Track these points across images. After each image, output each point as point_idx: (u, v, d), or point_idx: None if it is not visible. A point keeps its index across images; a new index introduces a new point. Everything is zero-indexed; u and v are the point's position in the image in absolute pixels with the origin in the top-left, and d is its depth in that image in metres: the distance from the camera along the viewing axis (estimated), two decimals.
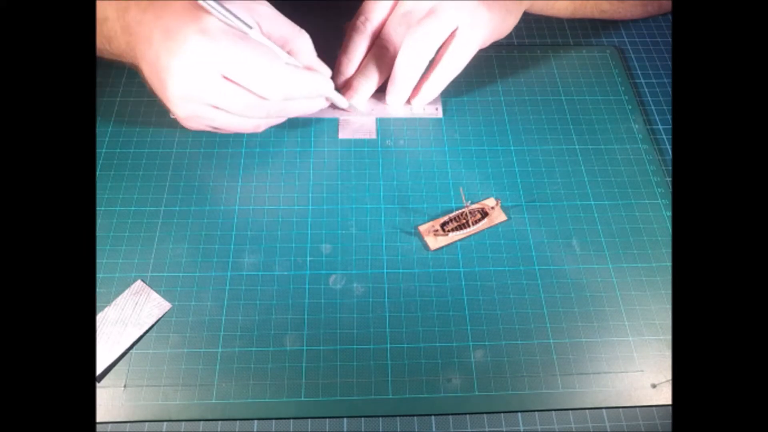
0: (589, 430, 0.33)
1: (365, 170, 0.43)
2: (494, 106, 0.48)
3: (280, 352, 0.35)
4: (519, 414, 0.33)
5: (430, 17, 0.41)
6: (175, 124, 0.45)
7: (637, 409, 0.34)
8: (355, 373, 0.34)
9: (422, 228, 0.40)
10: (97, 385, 0.33)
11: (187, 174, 0.43)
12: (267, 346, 0.35)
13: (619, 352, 0.36)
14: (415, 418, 0.33)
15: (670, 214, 0.42)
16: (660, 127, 0.48)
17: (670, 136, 0.47)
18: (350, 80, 0.45)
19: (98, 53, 0.42)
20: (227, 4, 0.35)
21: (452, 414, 0.33)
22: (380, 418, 0.33)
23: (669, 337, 0.36)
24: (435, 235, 0.40)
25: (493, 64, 0.51)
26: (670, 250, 0.40)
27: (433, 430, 0.33)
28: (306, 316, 0.36)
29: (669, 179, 0.44)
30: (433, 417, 0.33)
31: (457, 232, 0.40)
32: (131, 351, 0.35)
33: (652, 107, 0.49)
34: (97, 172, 0.42)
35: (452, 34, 0.42)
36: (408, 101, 0.47)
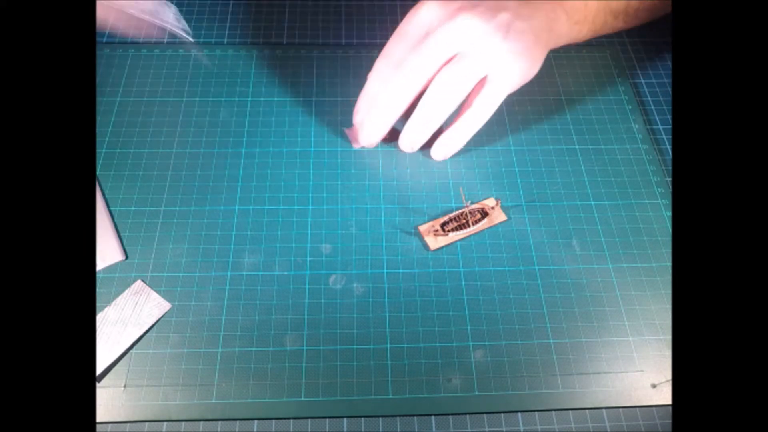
0: (589, 430, 0.33)
1: (365, 170, 0.44)
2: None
3: (280, 352, 0.35)
4: (519, 414, 0.33)
5: (461, 61, 0.39)
6: (175, 124, 0.45)
7: (637, 409, 0.34)
8: (355, 373, 0.34)
9: (422, 228, 0.40)
10: (97, 385, 0.33)
11: (187, 174, 0.43)
12: (267, 346, 0.35)
13: (619, 352, 0.36)
14: (415, 418, 0.33)
15: (670, 214, 0.42)
16: (660, 127, 0.48)
17: (670, 136, 0.47)
18: (366, 117, 0.42)
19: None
20: None
21: (452, 414, 0.33)
22: (380, 418, 0.33)
23: (669, 337, 0.36)
24: (435, 235, 0.40)
25: None
26: (670, 250, 0.40)
27: (433, 430, 0.33)
28: (306, 316, 0.36)
29: (669, 179, 0.44)
30: (433, 417, 0.33)
31: (457, 232, 0.40)
32: (131, 351, 0.35)
33: (652, 107, 0.49)
34: (97, 172, 0.42)
35: (482, 82, 0.40)
36: (428, 149, 0.44)
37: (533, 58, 0.42)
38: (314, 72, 0.50)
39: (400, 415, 0.33)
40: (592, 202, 0.42)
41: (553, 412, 0.34)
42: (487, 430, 0.33)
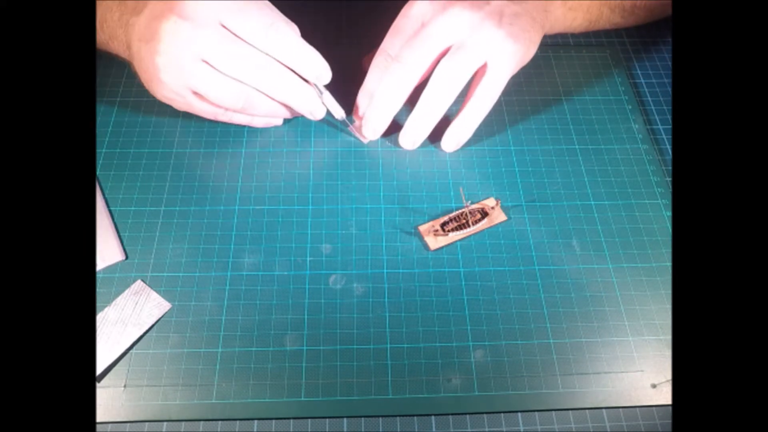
0: (589, 430, 0.33)
1: (365, 170, 0.43)
2: (494, 106, 0.48)
3: (280, 352, 0.35)
4: (519, 414, 0.33)
5: (459, 51, 0.40)
6: (175, 124, 0.46)
7: (637, 409, 0.34)
8: (355, 373, 0.34)
9: (422, 228, 0.40)
10: (97, 385, 0.33)
11: (187, 174, 0.43)
12: (267, 346, 0.35)
13: (619, 352, 0.36)
14: (415, 418, 0.33)
15: (670, 214, 0.42)
16: (660, 127, 0.48)
17: (670, 136, 0.47)
18: (367, 112, 0.43)
19: (99, 46, 0.43)
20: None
21: (452, 414, 0.33)
22: (380, 418, 0.33)
23: (669, 337, 0.36)
24: (435, 235, 0.40)
25: None
26: (670, 250, 0.40)
27: (433, 430, 0.33)
28: (306, 316, 0.36)
29: (669, 179, 0.44)
30: (433, 417, 0.33)
31: (457, 232, 0.40)
32: (131, 351, 0.35)
33: (652, 107, 0.49)
34: (97, 172, 0.42)
35: (482, 70, 0.41)
36: (430, 146, 0.45)
37: (530, 39, 0.42)
38: None
39: (400, 415, 0.33)
40: (592, 202, 0.42)
41: (553, 412, 0.34)
42: (487, 430, 0.33)
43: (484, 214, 0.41)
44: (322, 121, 0.46)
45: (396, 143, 0.45)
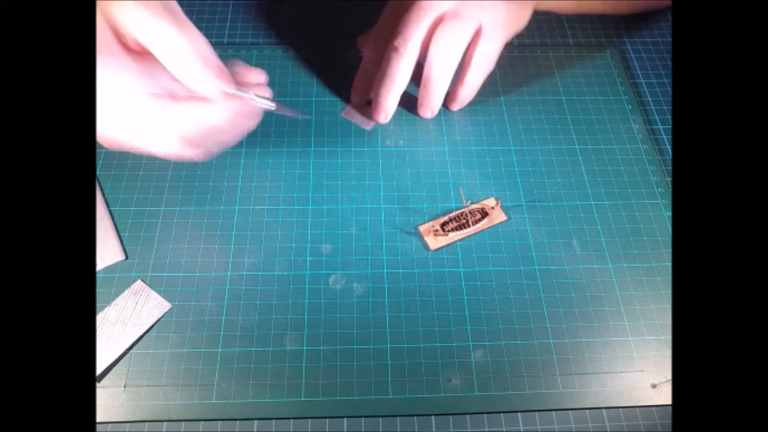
0: (589, 430, 0.33)
1: (365, 170, 0.44)
2: (494, 106, 0.48)
3: (280, 352, 0.35)
4: (519, 414, 0.33)
5: (452, 19, 0.41)
6: None
7: (637, 409, 0.34)
8: (355, 373, 0.34)
9: (422, 228, 0.40)
10: (97, 385, 0.33)
11: (187, 174, 0.43)
12: (267, 346, 0.35)
13: (619, 352, 0.36)
14: (415, 418, 0.33)
15: (670, 214, 0.42)
16: (660, 127, 0.48)
17: (670, 136, 0.47)
18: (376, 97, 0.44)
19: None
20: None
21: (452, 414, 0.33)
22: (380, 418, 0.33)
23: (669, 337, 0.36)
24: (435, 235, 0.40)
25: None
26: (670, 250, 0.40)
27: (433, 430, 0.33)
28: (306, 316, 0.36)
29: (669, 179, 0.44)
30: (433, 417, 0.33)
31: (457, 232, 0.40)
32: (131, 351, 0.35)
33: (652, 107, 0.49)
34: (97, 172, 0.42)
35: (477, 35, 0.42)
36: (447, 106, 0.47)
37: (521, 6, 0.44)
38: (314, 72, 0.50)
39: (400, 415, 0.33)
40: (592, 202, 0.42)
41: (553, 412, 0.34)
42: (487, 430, 0.33)
43: (484, 214, 0.41)
44: (322, 121, 0.46)
45: (396, 144, 0.45)
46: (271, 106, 0.38)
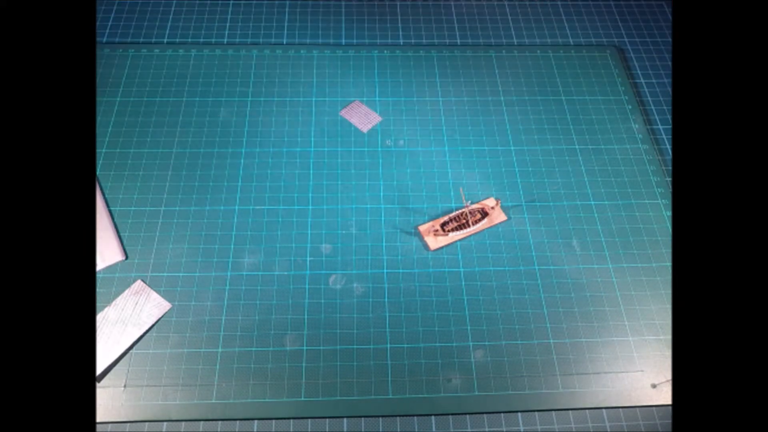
0: (589, 430, 0.33)
1: (365, 170, 0.44)
2: (494, 106, 0.48)
3: (280, 352, 0.35)
4: (519, 414, 0.33)
5: None
6: (175, 124, 0.46)
7: (637, 409, 0.34)
8: (355, 373, 0.34)
9: (422, 228, 0.40)
10: (97, 385, 0.33)
11: (187, 174, 0.43)
12: (267, 346, 0.35)
13: (619, 352, 0.36)
14: (415, 418, 0.33)
15: (670, 214, 0.42)
16: (660, 127, 0.48)
17: (670, 136, 0.47)
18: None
19: None
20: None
21: (452, 414, 0.33)
22: (380, 418, 0.33)
23: (669, 337, 0.36)
24: (435, 235, 0.40)
25: (493, 64, 0.51)
26: (670, 250, 0.40)
27: (433, 430, 0.33)
28: (306, 316, 0.36)
29: (669, 179, 0.44)
30: (433, 417, 0.33)
31: (457, 232, 0.40)
32: (131, 351, 0.35)
33: (652, 107, 0.49)
34: (97, 172, 0.42)
35: None
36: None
37: None
38: (314, 72, 0.50)
39: (400, 415, 0.33)
40: (592, 202, 0.42)
41: (553, 412, 0.34)
42: (487, 430, 0.33)
43: (484, 214, 0.41)
44: (322, 121, 0.46)
45: (396, 144, 0.45)
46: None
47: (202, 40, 0.52)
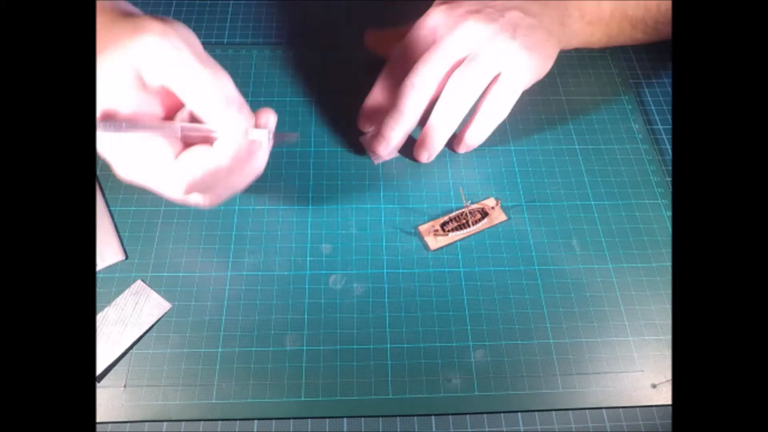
0: (589, 430, 0.33)
1: (365, 170, 0.43)
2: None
3: (280, 352, 0.35)
4: (519, 414, 0.33)
5: (470, 64, 0.39)
6: None
7: (637, 409, 0.34)
8: (355, 373, 0.34)
9: (422, 228, 0.40)
10: (97, 385, 0.33)
11: None
12: (267, 346, 0.35)
13: (619, 352, 0.36)
14: (415, 418, 0.33)
15: (670, 214, 0.42)
16: (660, 127, 0.48)
17: (670, 136, 0.47)
18: (382, 128, 0.41)
19: None
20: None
21: (452, 414, 0.33)
22: (380, 418, 0.33)
23: (669, 337, 0.36)
24: (435, 235, 0.40)
25: None
26: (670, 250, 0.40)
27: (433, 430, 0.33)
28: (306, 316, 0.36)
29: (669, 179, 0.44)
30: (433, 417, 0.33)
31: (457, 232, 0.40)
32: (131, 351, 0.35)
33: (652, 107, 0.49)
34: (97, 172, 0.42)
35: (494, 81, 0.40)
36: (452, 148, 0.44)
37: (545, 53, 0.42)
38: (314, 72, 0.50)
39: (400, 415, 0.33)
40: (592, 202, 0.42)
41: (553, 412, 0.34)
42: (487, 430, 0.33)
43: (484, 214, 0.41)
44: (322, 121, 0.46)
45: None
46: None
47: (202, 40, 0.52)
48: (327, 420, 0.33)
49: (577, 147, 0.46)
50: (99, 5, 0.31)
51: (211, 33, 0.53)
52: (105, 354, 0.34)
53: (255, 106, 0.46)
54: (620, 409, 0.34)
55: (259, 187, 0.42)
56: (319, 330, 0.36)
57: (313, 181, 0.43)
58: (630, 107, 0.48)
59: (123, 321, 0.35)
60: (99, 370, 0.33)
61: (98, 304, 0.36)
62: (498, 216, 0.41)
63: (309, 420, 0.33)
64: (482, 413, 0.33)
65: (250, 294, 0.37)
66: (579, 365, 0.35)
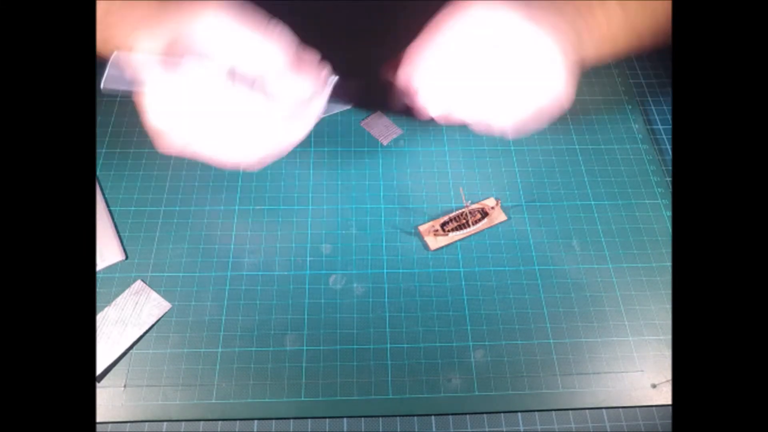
0: (589, 430, 0.33)
1: (365, 170, 0.43)
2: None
3: (280, 352, 0.35)
4: (519, 414, 0.33)
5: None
6: None
7: (637, 409, 0.34)
8: (355, 373, 0.34)
9: (422, 228, 0.40)
10: (97, 385, 0.33)
11: (187, 174, 0.43)
12: (267, 346, 0.35)
13: (619, 352, 0.36)
14: (415, 418, 0.33)
15: (670, 214, 0.42)
16: (660, 127, 0.48)
17: (670, 136, 0.47)
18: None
19: None
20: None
21: (452, 414, 0.33)
22: (380, 418, 0.33)
23: (669, 337, 0.36)
24: (435, 235, 0.40)
25: None
26: (670, 250, 0.40)
27: (433, 430, 0.33)
28: (306, 316, 0.36)
29: (669, 179, 0.44)
30: (433, 417, 0.33)
31: (457, 232, 0.40)
32: (131, 351, 0.35)
33: (652, 107, 0.49)
34: (97, 172, 0.42)
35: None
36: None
37: None
38: None
39: (400, 415, 0.33)
40: (592, 202, 0.42)
41: (553, 412, 0.34)
42: (487, 430, 0.33)
43: (484, 214, 0.41)
44: (322, 121, 0.46)
45: (396, 144, 0.45)
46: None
47: None
48: (327, 420, 0.33)
49: (577, 147, 0.46)
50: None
51: None
52: (105, 354, 0.34)
53: None
54: (620, 409, 0.34)
55: (259, 186, 0.42)
56: (319, 330, 0.36)
57: (313, 181, 0.43)
58: (630, 107, 0.48)
59: (123, 321, 0.35)
60: (99, 370, 0.33)
61: (98, 304, 0.36)
62: (498, 216, 0.41)
63: (309, 420, 0.33)
64: (482, 413, 0.33)
65: (250, 294, 0.37)
66: (579, 365, 0.35)
